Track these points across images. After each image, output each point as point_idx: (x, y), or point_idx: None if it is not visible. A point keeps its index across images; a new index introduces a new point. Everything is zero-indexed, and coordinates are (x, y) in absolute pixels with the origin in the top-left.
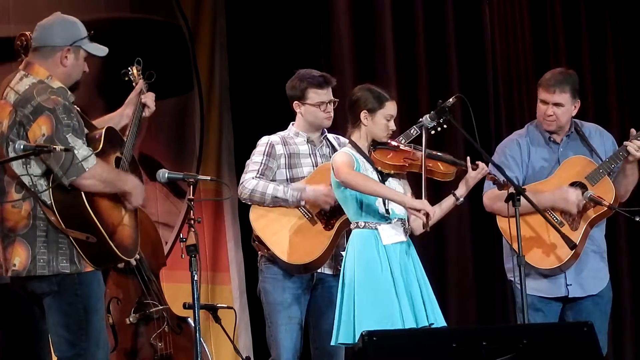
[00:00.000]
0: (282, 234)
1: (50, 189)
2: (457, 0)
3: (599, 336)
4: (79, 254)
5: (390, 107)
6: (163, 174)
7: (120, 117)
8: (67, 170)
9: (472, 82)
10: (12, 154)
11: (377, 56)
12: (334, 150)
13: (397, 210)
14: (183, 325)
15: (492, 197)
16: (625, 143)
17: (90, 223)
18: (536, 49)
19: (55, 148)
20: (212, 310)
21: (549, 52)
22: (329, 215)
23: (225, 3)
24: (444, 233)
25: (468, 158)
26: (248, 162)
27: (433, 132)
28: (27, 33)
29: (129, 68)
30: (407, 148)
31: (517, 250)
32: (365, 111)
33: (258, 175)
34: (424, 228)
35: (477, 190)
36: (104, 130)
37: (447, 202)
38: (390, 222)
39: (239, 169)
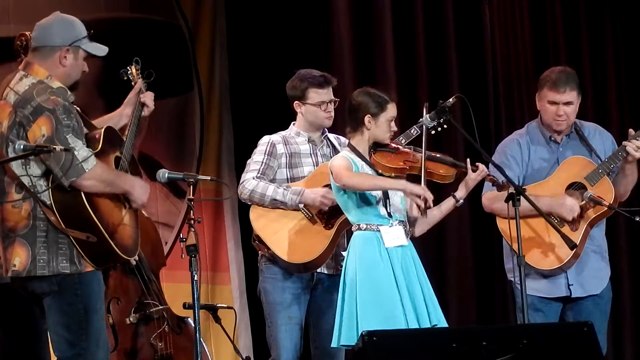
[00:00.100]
0: (282, 234)
1: (50, 189)
2: (457, 0)
3: (599, 336)
4: (79, 254)
5: (392, 109)
6: (163, 174)
7: (120, 117)
8: (67, 171)
9: (472, 82)
10: (12, 155)
11: (377, 56)
12: (335, 149)
13: (397, 212)
14: (183, 325)
15: (491, 198)
16: (624, 143)
17: (90, 223)
18: (536, 49)
19: (55, 148)
20: (212, 310)
21: (549, 52)
22: (329, 214)
23: (225, 3)
24: (444, 233)
25: (468, 160)
26: (249, 161)
27: (433, 132)
28: (27, 33)
29: (128, 67)
30: (407, 150)
31: (517, 251)
32: (369, 115)
33: (259, 175)
34: (421, 214)
35: (477, 191)
36: (103, 130)
37: (447, 204)
38: (391, 225)
39: (239, 169)
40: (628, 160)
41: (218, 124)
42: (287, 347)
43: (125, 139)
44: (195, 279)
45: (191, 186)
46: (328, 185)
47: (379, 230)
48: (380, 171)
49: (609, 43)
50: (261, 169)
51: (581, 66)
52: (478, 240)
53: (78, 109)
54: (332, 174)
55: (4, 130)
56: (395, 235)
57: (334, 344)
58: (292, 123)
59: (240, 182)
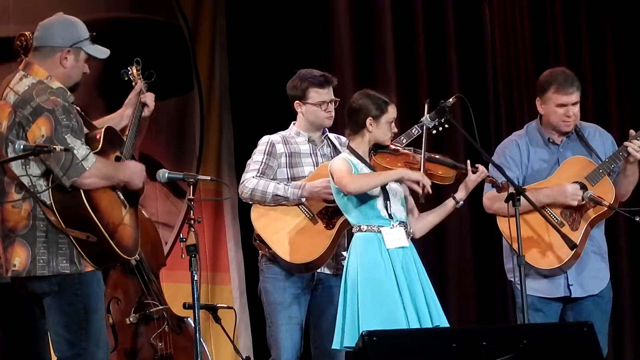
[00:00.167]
0: (283, 233)
1: (50, 189)
2: (457, 0)
3: (599, 336)
4: (79, 254)
5: (392, 111)
6: (163, 174)
7: (120, 118)
8: (68, 171)
9: (472, 82)
10: (11, 155)
11: (377, 56)
12: (335, 149)
13: (398, 213)
14: (183, 325)
15: (492, 198)
16: (625, 143)
17: (90, 222)
18: (536, 49)
19: (55, 148)
20: (212, 310)
21: (549, 52)
22: (330, 214)
23: (225, 3)
24: (445, 234)
25: (468, 161)
26: (249, 161)
27: (434, 132)
28: (27, 33)
29: (129, 68)
30: (407, 151)
31: (517, 251)
32: (370, 118)
33: (258, 175)
34: (420, 200)
35: (477, 192)
36: (103, 130)
37: (447, 205)
38: (392, 226)
39: (239, 169)
40: (629, 160)
41: (218, 124)
42: (288, 347)
43: (125, 139)
44: (195, 279)
45: (191, 186)
46: None
47: (379, 232)
48: None
49: (609, 43)
50: (261, 169)
51: (581, 66)
52: (478, 241)
53: (78, 109)
54: (331, 176)
55: (3, 131)
56: (396, 237)
57: (336, 346)
58: (292, 123)
59: (241, 181)
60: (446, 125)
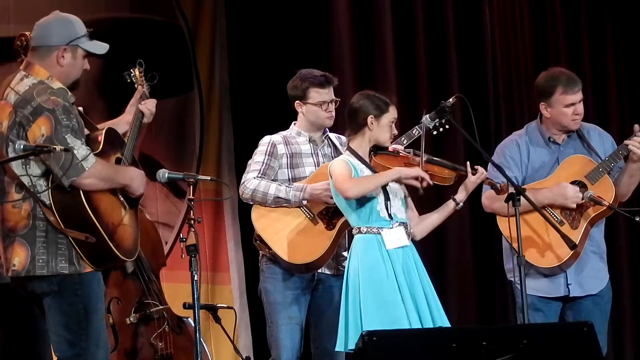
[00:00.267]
0: (283, 234)
1: (50, 189)
2: (457, 0)
3: (599, 336)
4: (78, 255)
5: (393, 112)
6: (163, 174)
7: (121, 124)
8: (67, 171)
9: (472, 82)
10: (12, 154)
11: (377, 56)
12: (336, 149)
13: (398, 214)
14: (183, 325)
15: (491, 197)
16: (625, 142)
17: (89, 223)
18: (536, 49)
19: (55, 148)
20: (212, 310)
21: (549, 52)
22: (331, 215)
23: (225, 3)
24: (445, 234)
25: (468, 163)
26: (250, 161)
27: (435, 132)
28: (27, 33)
29: (131, 70)
30: (406, 154)
31: (517, 250)
32: (372, 116)
33: (259, 175)
34: (419, 193)
35: (477, 193)
36: (104, 131)
37: (447, 207)
38: (392, 227)
39: (239, 169)
40: (633, 159)
41: (218, 124)
42: (288, 347)
43: (126, 141)
44: (195, 279)
45: (191, 186)
46: None
47: (379, 233)
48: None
49: (609, 43)
50: (262, 169)
51: (581, 66)
52: (478, 241)
53: (80, 109)
54: (331, 178)
55: (4, 130)
56: (396, 237)
57: (340, 348)
58: (293, 123)
59: (242, 182)
60: (446, 126)
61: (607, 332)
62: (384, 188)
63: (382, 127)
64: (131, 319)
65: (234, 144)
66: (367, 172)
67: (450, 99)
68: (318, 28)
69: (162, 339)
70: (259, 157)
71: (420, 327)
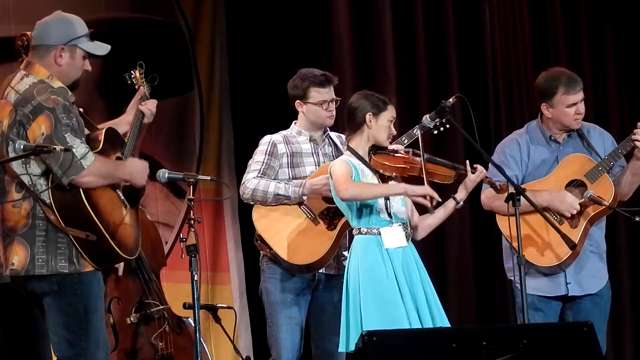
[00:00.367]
0: (284, 234)
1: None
2: (457, 0)
3: (599, 336)
4: (78, 254)
5: (392, 110)
6: (163, 174)
7: (122, 124)
8: (67, 170)
9: (472, 82)
10: (12, 154)
11: (377, 56)
12: (337, 148)
13: (398, 214)
14: (183, 325)
15: (490, 196)
16: (631, 136)
17: (90, 222)
18: (536, 49)
19: (55, 148)
20: (212, 310)
21: (549, 52)
22: (332, 215)
23: (225, 3)
24: (445, 234)
25: (467, 162)
26: (250, 161)
27: (436, 132)
28: (28, 33)
29: (132, 71)
30: (405, 153)
31: (516, 250)
32: (370, 114)
33: (259, 175)
34: (430, 211)
35: (477, 192)
36: (104, 130)
37: (448, 206)
38: (392, 227)
39: (239, 169)
40: (638, 156)
41: (218, 124)
42: (288, 347)
43: (126, 141)
44: (195, 279)
45: (191, 186)
46: None
47: (379, 234)
48: (381, 171)
49: (609, 43)
50: (262, 169)
51: (581, 66)
52: (478, 241)
53: (81, 109)
54: (331, 178)
55: (4, 129)
56: (395, 236)
57: (342, 349)
58: (294, 122)
59: (242, 182)
60: (447, 126)
61: (606, 332)
62: (379, 183)
63: (380, 126)
64: (131, 319)
65: (234, 144)
66: (367, 171)
67: (450, 99)
68: (318, 28)
69: (163, 338)
70: (259, 156)
71: (420, 327)
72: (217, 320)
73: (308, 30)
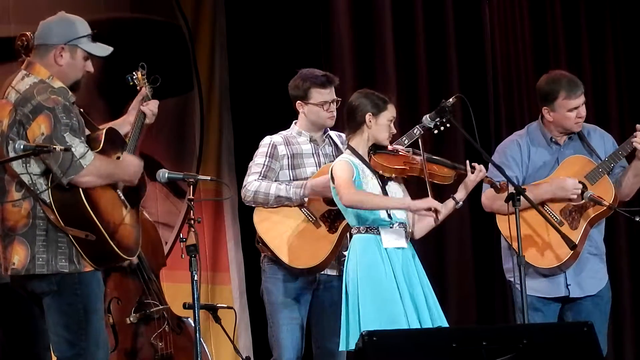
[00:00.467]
0: (285, 238)
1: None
2: (457, 0)
3: (599, 336)
4: (78, 254)
5: (392, 110)
6: (163, 174)
7: (123, 124)
8: (66, 170)
9: (472, 82)
10: (11, 153)
11: (377, 56)
12: (337, 148)
13: (398, 214)
14: (183, 325)
15: (491, 197)
16: (630, 139)
17: (89, 222)
18: (536, 49)
19: (55, 148)
20: (212, 310)
21: (549, 52)
22: (333, 217)
23: (225, 3)
24: (445, 234)
25: (467, 162)
26: (251, 163)
27: (436, 131)
28: (28, 33)
29: (134, 72)
30: (406, 152)
31: (516, 250)
32: (370, 114)
33: (260, 177)
34: (435, 223)
35: (477, 192)
36: (104, 130)
37: (447, 206)
38: (392, 227)
39: (239, 169)
40: (639, 157)
41: (218, 124)
42: (289, 347)
43: (127, 142)
44: (195, 279)
45: (191, 186)
46: None
47: (378, 233)
48: (380, 172)
49: (609, 43)
50: (263, 171)
51: (581, 66)
52: (478, 241)
53: (81, 110)
54: (332, 178)
55: (4, 129)
56: (394, 237)
57: (342, 348)
58: (294, 122)
59: (243, 185)
60: (447, 125)
61: (606, 333)
62: (383, 188)
63: (380, 125)
64: (131, 319)
65: (234, 144)
66: (367, 171)
67: (450, 99)
68: (318, 28)
69: (162, 339)
70: (259, 159)
71: (418, 326)
72: (217, 320)
73: (308, 30)
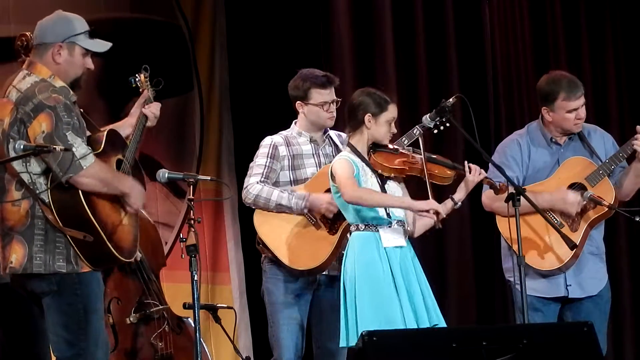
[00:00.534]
0: (286, 240)
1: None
2: (457, 0)
3: (599, 336)
4: (76, 254)
5: (392, 110)
6: (163, 174)
7: (125, 127)
8: (65, 169)
9: (472, 82)
10: (12, 152)
11: (377, 56)
12: (337, 148)
13: (397, 212)
14: (183, 325)
15: (491, 197)
16: (631, 141)
17: (88, 223)
18: (536, 49)
19: (55, 148)
20: (212, 310)
21: (549, 52)
22: (333, 219)
23: (225, 3)
24: (445, 234)
25: (466, 162)
26: (252, 164)
27: (436, 130)
28: (28, 33)
29: (137, 75)
30: (406, 151)
31: (516, 251)
32: (369, 114)
33: (262, 180)
34: (435, 226)
35: (477, 192)
36: (105, 132)
37: (446, 206)
38: (390, 225)
39: (239, 169)
40: (639, 158)
41: (218, 124)
42: (289, 347)
43: (128, 143)
44: (195, 279)
45: (191, 186)
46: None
47: (377, 231)
48: (379, 171)
49: (609, 43)
50: (264, 173)
51: (581, 66)
52: (478, 241)
53: (82, 110)
54: (332, 176)
55: (5, 127)
56: (393, 236)
57: (342, 344)
58: (294, 122)
59: (244, 186)
60: (447, 124)
61: (606, 332)
62: (382, 187)
63: (379, 126)
64: (131, 319)
65: (234, 144)
66: (367, 170)
67: (450, 99)
68: (318, 28)
69: (162, 339)
70: (260, 159)
71: (415, 325)
72: (217, 320)
73: (308, 30)
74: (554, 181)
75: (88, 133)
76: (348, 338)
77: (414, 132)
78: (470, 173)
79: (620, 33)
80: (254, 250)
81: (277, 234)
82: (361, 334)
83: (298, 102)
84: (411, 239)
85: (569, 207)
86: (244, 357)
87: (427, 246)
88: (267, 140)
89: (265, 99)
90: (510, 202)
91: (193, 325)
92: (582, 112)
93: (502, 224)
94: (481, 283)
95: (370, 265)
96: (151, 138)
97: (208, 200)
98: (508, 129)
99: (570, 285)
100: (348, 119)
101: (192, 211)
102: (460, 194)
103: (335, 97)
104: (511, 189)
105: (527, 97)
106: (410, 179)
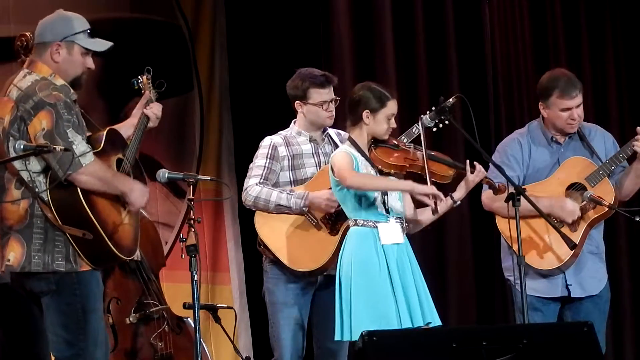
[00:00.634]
0: (287, 241)
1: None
2: (457, 0)
3: (598, 336)
4: (75, 253)
5: (392, 106)
6: (163, 174)
7: (127, 127)
8: (65, 167)
9: (472, 82)
10: (12, 150)
11: (377, 56)
12: (336, 147)
13: (395, 209)
14: (183, 325)
15: (491, 197)
16: (631, 142)
17: (87, 221)
18: (536, 49)
19: (55, 148)
20: (212, 310)
21: (549, 52)
22: (334, 219)
23: (225, 3)
24: (445, 233)
25: (467, 161)
26: (251, 165)
27: (435, 128)
28: (27, 33)
29: (139, 77)
30: (407, 148)
31: (516, 251)
32: (367, 111)
33: (262, 181)
34: (433, 213)
35: (477, 191)
36: (105, 131)
37: (445, 204)
38: (389, 222)
39: (239, 169)
40: None
41: (218, 124)
42: (290, 347)
43: (129, 143)
44: (195, 279)
45: (191, 186)
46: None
47: (375, 227)
48: (379, 167)
49: (609, 43)
50: (264, 174)
51: (581, 66)
52: (478, 240)
53: (82, 110)
54: (333, 170)
55: (5, 125)
56: (391, 233)
57: (337, 337)
58: (293, 122)
59: (244, 188)
60: (446, 122)
61: (605, 332)
62: (386, 177)
63: (378, 122)
64: (131, 319)
65: (234, 144)
66: (367, 164)
67: (450, 99)
68: (318, 28)
69: (162, 339)
70: (260, 160)
71: (409, 322)
72: (217, 320)
73: (308, 30)
74: (554, 181)
75: (88, 132)
76: (342, 332)
77: (413, 130)
78: (473, 171)
79: (620, 33)
80: (254, 250)
81: (278, 235)
82: (361, 334)
83: (297, 101)
84: (408, 235)
85: (566, 216)
86: (244, 357)
87: (427, 246)
88: (266, 141)
89: (265, 99)
90: (510, 202)
91: (193, 325)
92: (576, 114)
93: (501, 224)
94: (481, 283)
95: (366, 262)
96: (151, 138)
97: (208, 200)
98: (508, 128)
99: (571, 284)
100: (348, 112)
101: (192, 211)
102: (459, 193)
103: (334, 96)
104: (511, 189)
105: (527, 97)
106: (410, 175)
